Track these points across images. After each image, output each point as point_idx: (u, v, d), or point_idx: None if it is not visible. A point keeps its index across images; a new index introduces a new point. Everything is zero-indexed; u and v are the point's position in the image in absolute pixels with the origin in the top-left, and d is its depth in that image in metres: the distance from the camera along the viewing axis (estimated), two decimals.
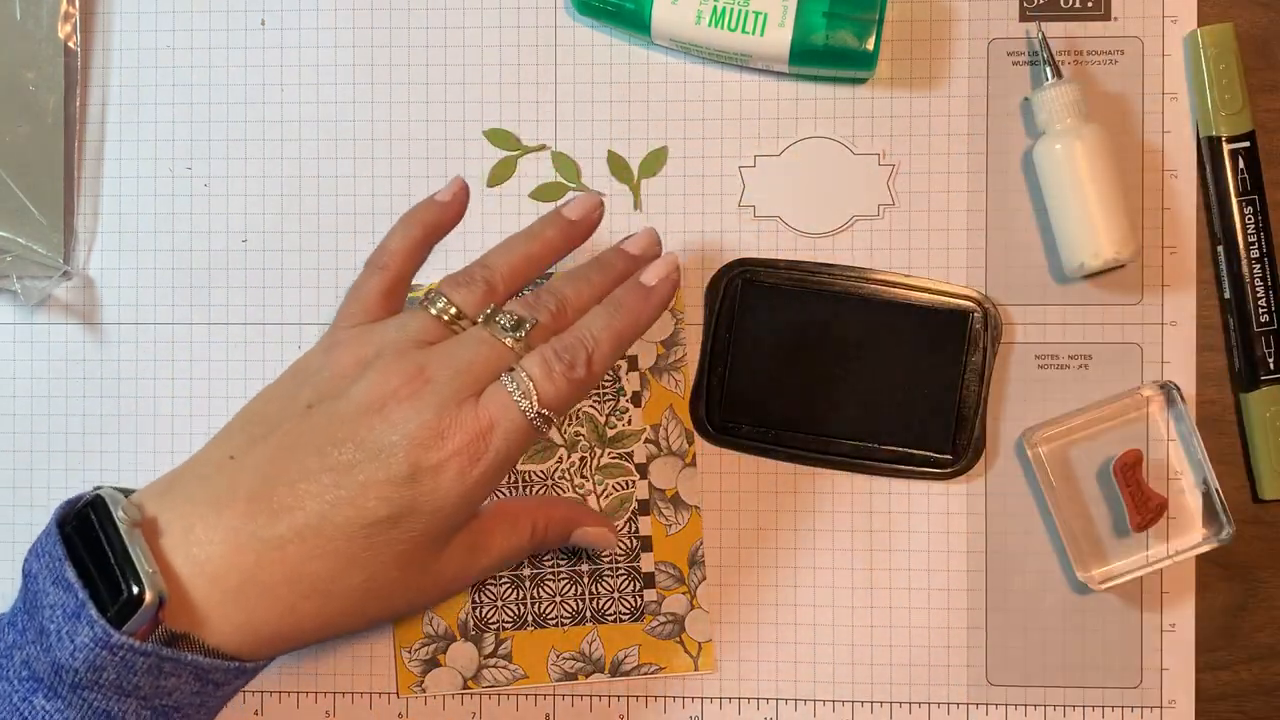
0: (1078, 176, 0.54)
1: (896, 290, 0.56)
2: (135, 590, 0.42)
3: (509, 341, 0.46)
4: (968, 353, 0.56)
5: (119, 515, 0.43)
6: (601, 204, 0.51)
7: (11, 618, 0.45)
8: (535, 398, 0.45)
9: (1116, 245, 0.54)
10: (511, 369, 0.46)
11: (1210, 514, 0.56)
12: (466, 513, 0.46)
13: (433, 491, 0.44)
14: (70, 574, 0.42)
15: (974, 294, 0.56)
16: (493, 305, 0.48)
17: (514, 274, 0.49)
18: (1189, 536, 0.56)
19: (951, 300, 0.56)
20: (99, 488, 0.45)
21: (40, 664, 0.43)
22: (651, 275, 0.49)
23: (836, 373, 0.56)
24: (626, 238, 0.51)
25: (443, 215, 0.51)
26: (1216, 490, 0.55)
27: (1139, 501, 0.55)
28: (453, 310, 0.48)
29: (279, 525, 0.44)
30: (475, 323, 0.48)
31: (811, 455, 0.57)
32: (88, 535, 0.43)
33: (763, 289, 0.57)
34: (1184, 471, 0.56)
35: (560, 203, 0.52)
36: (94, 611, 0.42)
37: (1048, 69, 0.55)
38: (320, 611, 0.45)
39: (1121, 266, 0.56)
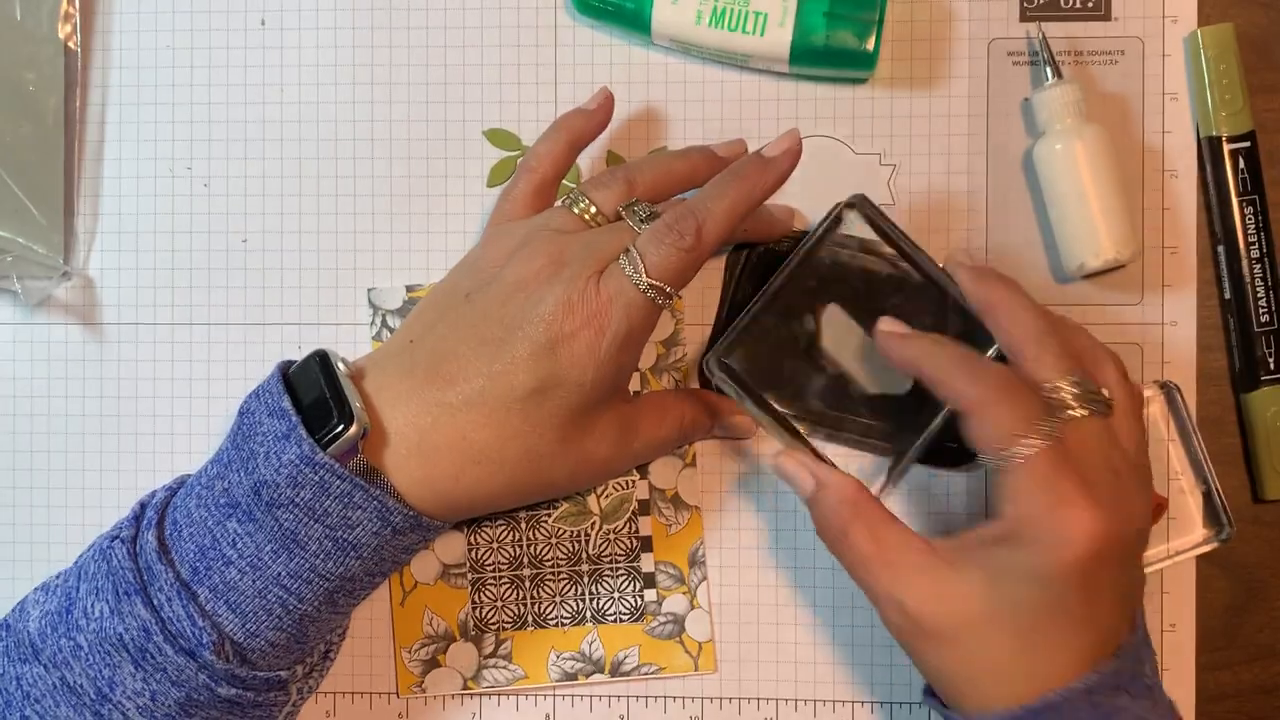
0: (1078, 176, 0.54)
1: (930, 279, 0.54)
2: (344, 418, 0.47)
3: (639, 228, 0.50)
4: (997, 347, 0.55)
5: (339, 365, 0.49)
6: (753, 153, 0.52)
7: (216, 456, 0.50)
8: (643, 269, 0.48)
9: (1117, 245, 0.54)
10: (628, 249, 0.49)
11: (1211, 514, 0.56)
12: (607, 386, 0.49)
13: (571, 362, 0.48)
14: (286, 403, 0.48)
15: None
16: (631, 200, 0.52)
17: (654, 182, 0.52)
18: (1189, 537, 0.56)
19: None
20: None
21: (241, 488, 0.48)
22: (774, 148, 0.51)
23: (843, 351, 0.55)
24: (767, 144, 0.52)
25: (588, 123, 0.55)
26: (1217, 490, 0.55)
27: None
28: (592, 209, 0.52)
29: (450, 393, 0.48)
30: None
31: (824, 431, 0.55)
32: (307, 380, 0.49)
33: (783, 260, 0.55)
34: (1184, 472, 0.56)
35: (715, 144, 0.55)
36: (303, 432, 0.47)
37: (1048, 69, 0.55)
38: (488, 479, 0.49)
39: (1122, 267, 0.56)
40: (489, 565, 0.58)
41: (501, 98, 0.58)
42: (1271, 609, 0.57)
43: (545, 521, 0.58)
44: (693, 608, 0.58)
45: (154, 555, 0.48)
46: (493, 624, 0.58)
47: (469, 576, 0.58)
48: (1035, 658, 0.46)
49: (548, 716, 0.58)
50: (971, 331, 0.52)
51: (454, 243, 0.58)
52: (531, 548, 0.58)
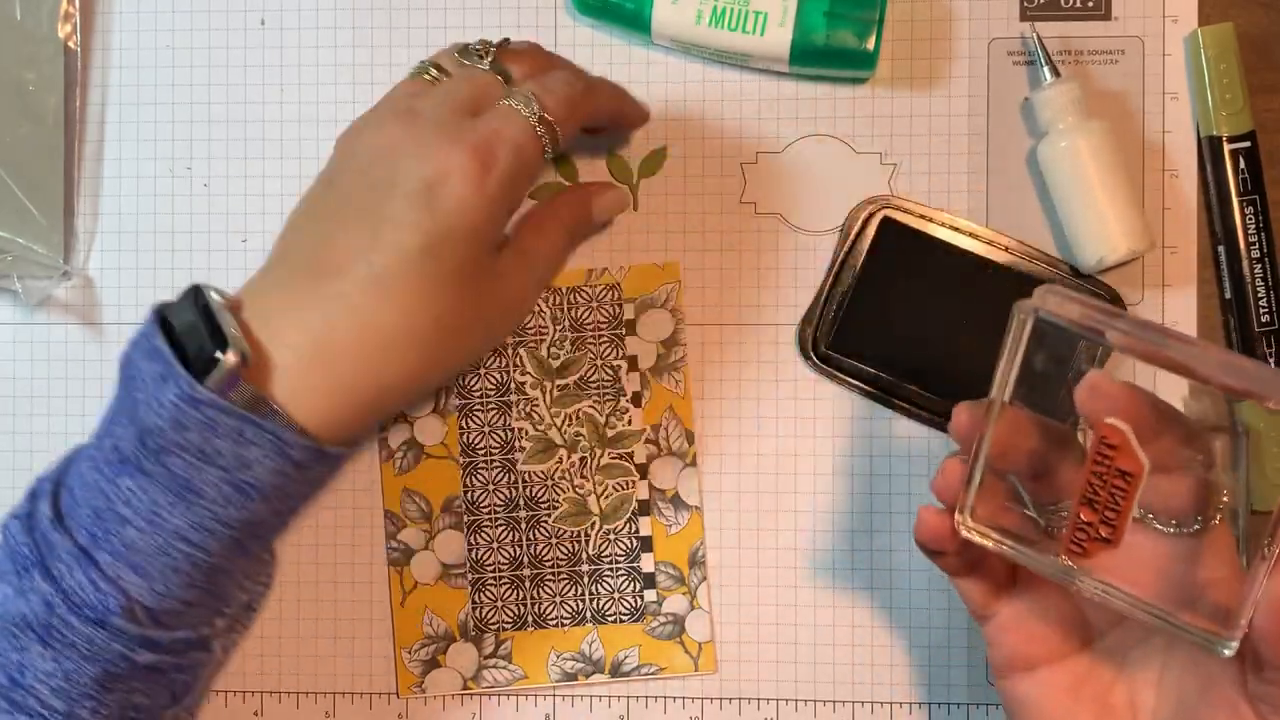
0: (1085, 173, 0.54)
1: (1034, 264, 0.55)
2: (219, 347, 0.43)
3: (489, 68, 0.49)
4: (1084, 345, 0.55)
5: (212, 296, 0.45)
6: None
7: (104, 415, 0.47)
8: (536, 104, 0.47)
9: (1131, 239, 0.54)
10: (518, 90, 0.48)
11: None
12: (496, 226, 0.47)
13: (457, 206, 0.45)
14: (160, 342, 0.44)
15: (1108, 289, 0.55)
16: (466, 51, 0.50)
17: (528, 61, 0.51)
18: None
19: (1085, 288, 0.55)
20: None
21: (127, 440, 0.44)
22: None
23: (952, 331, 0.56)
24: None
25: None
26: (1244, 528, 0.55)
27: None
28: (434, 71, 0.50)
29: (339, 283, 0.45)
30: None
31: (905, 406, 0.56)
32: (182, 317, 0.45)
33: (903, 231, 0.56)
34: (1224, 509, 0.55)
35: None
36: (180, 369, 0.43)
37: (1045, 69, 0.55)
38: (403, 364, 0.46)
39: (1138, 258, 0.55)
40: (489, 565, 0.58)
41: None
42: None
43: (545, 522, 0.58)
44: (693, 608, 0.57)
45: (48, 525, 0.45)
46: (493, 624, 0.58)
47: (469, 577, 0.58)
48: None
49: (548, 716, 0.58)
50: None
51: None
52: (531, 548, 0.58)
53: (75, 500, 0.45)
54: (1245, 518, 0.55)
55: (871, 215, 0.56)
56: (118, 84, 0.59)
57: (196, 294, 0.46)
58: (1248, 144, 0.55)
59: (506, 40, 0.51)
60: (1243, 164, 0.55)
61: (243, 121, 0.59)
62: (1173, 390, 0.49)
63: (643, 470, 0.58)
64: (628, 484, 0.58)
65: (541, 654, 0.58)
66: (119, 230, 0.59)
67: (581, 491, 0.58)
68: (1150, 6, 0.56)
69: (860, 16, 0.54)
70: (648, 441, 0.58)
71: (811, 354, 0.57)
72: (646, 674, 0.58)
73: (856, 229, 0.56)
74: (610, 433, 0.58)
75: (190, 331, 0.44)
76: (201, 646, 0.47)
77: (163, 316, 0.46)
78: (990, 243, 0.56)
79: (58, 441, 0.59)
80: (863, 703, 0.57)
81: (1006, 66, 0.57)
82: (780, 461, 0.57)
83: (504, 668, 0.58)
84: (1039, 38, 0.55)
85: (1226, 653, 0.41)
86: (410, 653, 0.58)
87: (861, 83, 0.57)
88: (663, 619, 0.58)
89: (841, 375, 0.57)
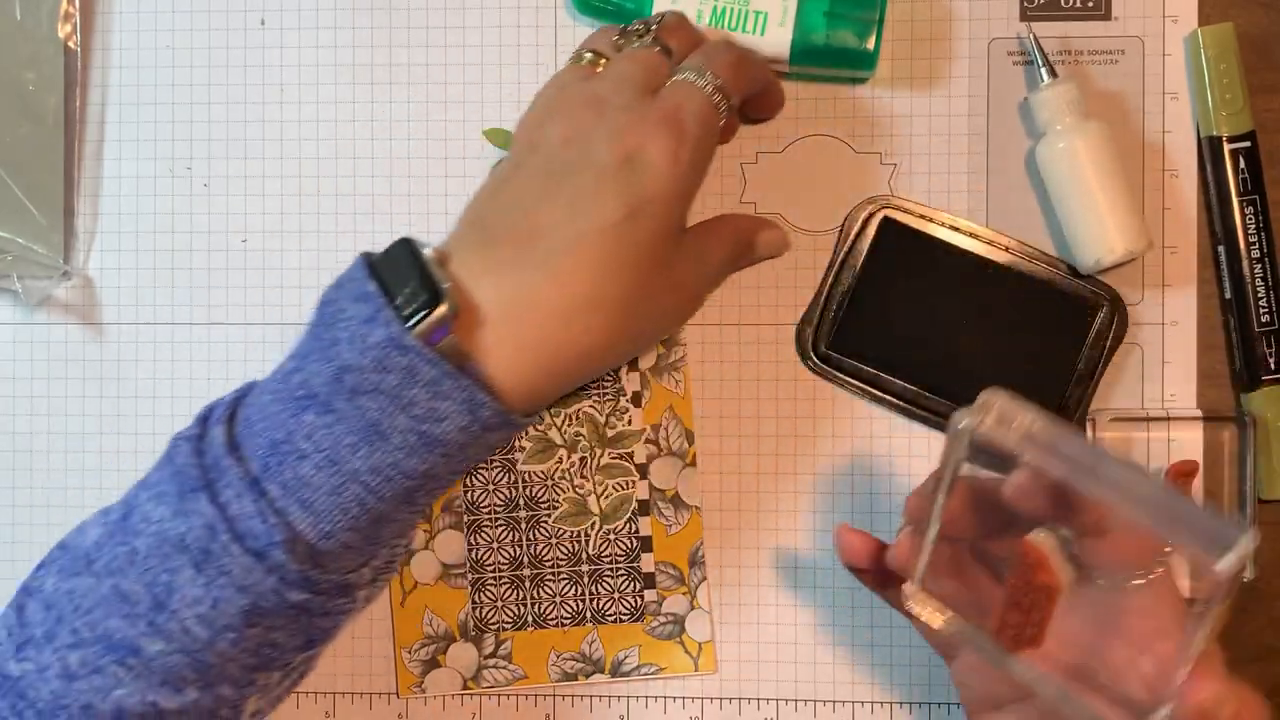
0: (1082, 174, 0.54)
1: (1034, 264, 0.56)
2: (432, 298, 0.44)
3: (654, 47, 0.50)
4: (1087, 345, 0.55)
5: (425, 251, 0.46)
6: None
7: (292, 350, 0.47)
8: (708, 73, 0.48)
9: (1128, 240, 0.54)
10: (689, 63, 0.49)
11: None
12: (688, 199, 0.48)
13: (655, 177, 0.46)
14: (372, 286, 0.44)
15: (1109, 290, 0.56)
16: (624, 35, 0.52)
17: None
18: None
19: (1085, 289, 0.56)
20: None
21: (320, 377, 0.44)
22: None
23: (952, 331, 0.56)
24: None
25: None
26: (1252, 533, 0.55)
27: None
28: (589, 55, 0.51)
29: (540, 248, 0.46)
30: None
31: (904, 406, 0.56)
32: (391, 266, 0.45)
33: (903, 231, 0.56)
34: (1228, 504, 0.55)
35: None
36: (390, 314, 0.43)
37: (1043, 70, 0.55)
38: (596, 330, 0.46)
39: (1136, 259, 0.55)
40: (489, 565, 0.58)
41: (501, 97, 0.58)
42: (1271, 609, 0.57)
43: (545, 522, 0.58)
44: (693, 608, 0.57)
45: (221, 450, 0.44)
46: (493, 624, 0.58)
47: (469, 577, 0.58)
48: None
49: (548, 716, 0.58)
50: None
51: None
52: (531, 548, 0.58)
53: (252, 430, 0.45)
54: (1254, 506, 0.55)
55: (872, 215, 0.56)
56: (118, 84, 0.59)
57: (407, 245, 0.46)
58: (1248, 144, 0.55)
59: (661, 16, 0.52)
60: (1243, 164, 0.55)
61: (243, 121, 0.59)
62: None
63: (643, 470, 0.58)
64: (628, 484, 0.58)
65: (541, 654, 0.58)
66: (119, 230, 0.59)
67: (581, 491, 0.58)
68: (1150, 6, 0.56)
69: (860, 16, 0.54)
70: (648, 441, 0.58)
71: (811, 354, 0.57)
72: (646, 674, 0.58)
73: (856, 228, 0.56)
74: (610, 432, 0.58)
75: (400, 280, 0.45)
76: (347, 594, 0.47)
77: (369, 264, 0.46)
78: (990, 243, 0.56)
79: (58, 441, 0.59)
80: (863, 703, 0.57)
81: (1006, 66, 0.57)
82: (780, 461, 0.57)
83: (504, 668, 0.58)
84: (1035, 38, 0.55)
85: None
86: (410, 652, 0.58)
87: (861, 82, 0.57)
88: (663, 619, 0.58)
89: (841, 375, 0.57)
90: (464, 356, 0.45)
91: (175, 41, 0.59)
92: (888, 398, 0.57)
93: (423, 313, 0.44)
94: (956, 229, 0.56)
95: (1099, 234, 0.54)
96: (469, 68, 0.58)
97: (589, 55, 0.51)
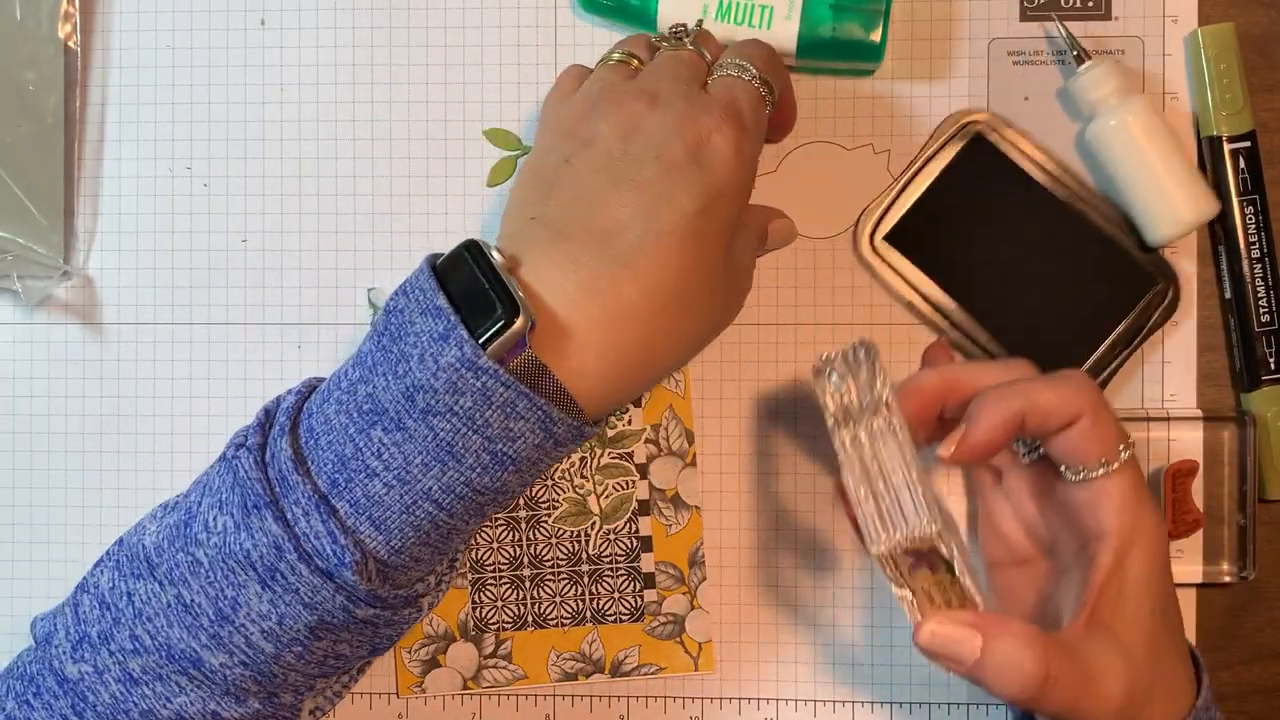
0: (1139, 149, 0.54)
1: (1107, 223, 0.55)
2: (507, 313, 0.42)
3: (690, 46, 0.50)
4: (1134, 313, 0.55)
5: (494, 256, 0.44)
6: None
7: (357, 358, 0.45)
8: (751, 68, 0.48)
9: (1197, 209, 0.53)
10: (725, 57, 0.49)
11: (1239, 550, 0.55)
12: (750, 190, 0.48)
13: (724, 166, 0.46)
14: (442, 300, 0.43)
15: (1170, 267, 0.56)
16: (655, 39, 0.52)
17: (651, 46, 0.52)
18: (1214, 567, 0.55)
19: (1148, 259, 0.55)
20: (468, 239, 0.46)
21: (389, 393, 0.43)
22: None
23: (1008, 261, 0.56)
24: None
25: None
26: (1253, 530, 0.55)
27: (1178, 512, 0.54)
28: (615, 56, 0.51)
29: (617, 244, 0.44)
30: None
31: (939, 321, 0.56)
32: (459, 272, 0.44)
33: (989, 149, 0.56)
34: (1229, 502, 0.55)
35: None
36: (464, 332, 0.42)
37: (1074, 56, 0.55)
38: (677, 326, 0.46)
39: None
40: (489, 565, 0.58)
41: (501, 98, 0.58)
42: (1271, 609, 0.57)
43: (545, 521, 0.58)
44: (693, 608, 0.57)
45: (288, 465, 0.44)
46: (493, 624, 0.58)
47: (469, 576, 0.58)
48: (1167, 681, 0.45)
49: (548, 716, 0.58)
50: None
51: (454, 243, 0.58)
52: (531, 548, 0.58)
53: (318, 443, 0.44)
54: (1254, 505, 0.55)
55: (966, 127, 0.56)
56: (118, 84, 0.59)
57: (476, 250, 0.45)
58: (1248, 144, 0.55)
59: (697, 25, 0.52)
60: (1243, 164, 0.55)
61: (243, 121, 0.59)
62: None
63: (643, 470, 0.58)
64: (628, 484, 0.58)
65: (541, 654, 0.58)
66: (119, 230, 0.59)
67: (581, 491, 0.58)
68: (1150, 6, 0.56)
69: (866, 8, 0.54)
70: (648, 441, 0.58)
71: (869, 239, 0.56)
72: (646, 674, 0.58)
73: (947, 136, 0.56)
74: (610, 432, 0.58)
75: (471, 292, 0.43)
76: (413, 604, 0.47)
77: (435, 270, 0.45)
78: (1072, 190, 0.56)
79: (58, 441, 0.59)
80: (863, 703, 0.57)
81: (1006, 67, 0.57)
82: (780, 462, 0.57)
83: (504, 667, 0.58)
84: (1063, 25, 0.55)
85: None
86: (410, 652, 0.58)
87: (867, 74, 0.57)
88: (663, 619, 0.58)
89: (890, 267, 0.56)
90: (541, 370, 0.43)
91: (175, 41, 0.59)
92: (925, 306, 0.56)
93: (497, 326, 0.42)
94: (1043, 167, 0.56)
95: (1166, 206, 0.54)
96: (469, 68, 0.58)
97: (620, 55, 0.51)
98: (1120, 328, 0.55)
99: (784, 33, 0.54)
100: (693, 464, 0.58)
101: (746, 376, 0.58)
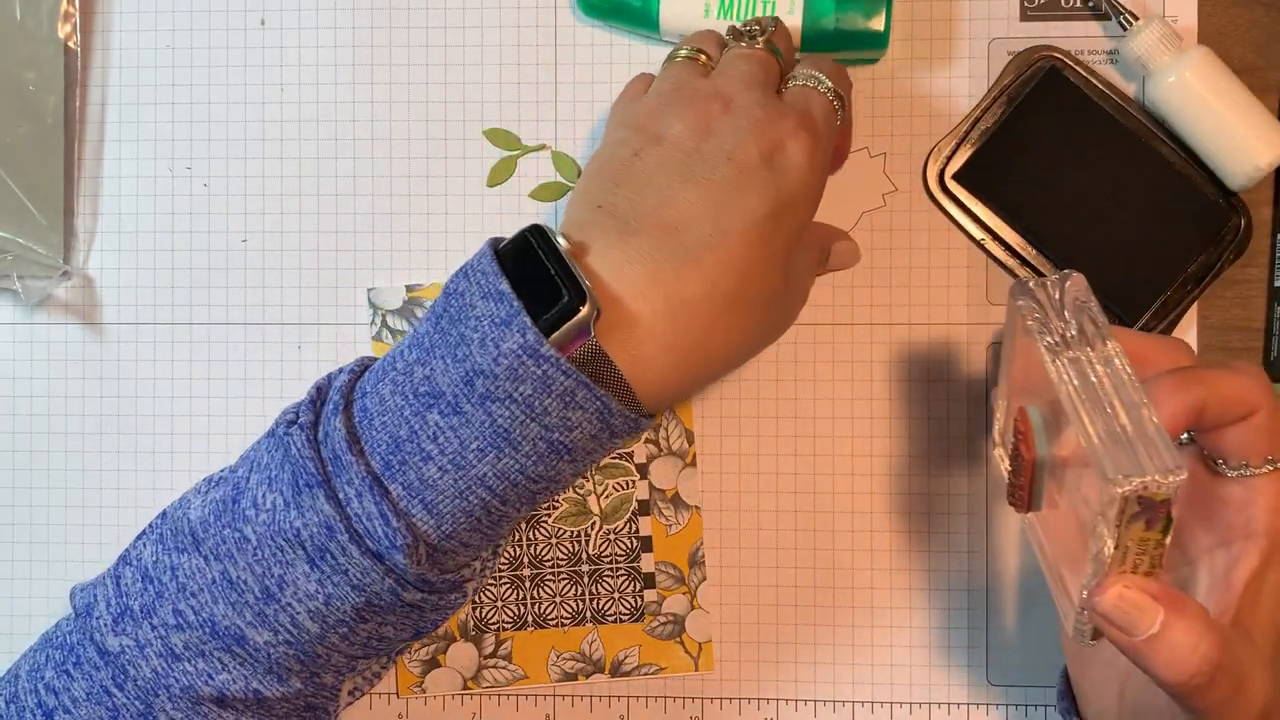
0: (1203, 100, 0.53)
1: (1181, 161, 0.55)
2: (573, 300, 0.42)
3: (764, 46, 0.49)
4: (1206, 250, 0.55)
5: (560, 241, 0.44)
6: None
7: (414, 339, 0.45)
8: (821, 76, 0.48)
9: (1274, 151, 0.53)
10: (797, 70, 0.49)
11: None
12: (817, 200, 0.47)
13: (797, 174, 0.45)
14: (505, 285, 0.42)
15: (1243, 206, 0.55)
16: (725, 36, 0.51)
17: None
18: None
19: (1221, 198, 0.55)
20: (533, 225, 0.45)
21: (447, 377, 0.43)
22: None
23: (1079, 197, 0.55)
24: None
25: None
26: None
27: None
28: (684, 52, 0.50)
29: (685, 239, 0.44)
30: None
31: (1008, 256, 0.55)
32: (523, 257, 0.43)
33: (1063, 83, 0.55)
34: None
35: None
36: (526, 319, 0.41)
37: (1120, 18, 0.54)
38: (738, 327, 0.45)
39: None
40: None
41: (501, 98, 0.58)
42: None
43: (545, 521, 0.58)
44: (693, 608, 0.58)
45: (342, 444, 0.43)
46: (493, 624, 0.58)
47: None
48: None
49: (548, 716, 0.58)
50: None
51: (454, 243, 0.58)
52: (531, 548, 0.58)
53: (372, 423, 0.44)
54: None
55: (1040, 60, 0.56)
56: (118, 84, 0.59)
57: (541, 236, 0.44)
58: None
59: (773, 20, 0.51)
60: None
61: (243, 121, 0.59)
62: None
63: (643, 470, 0.58)
64: (628, 484, 0.58)
65: (541, 654, 0.58)
66: (119, 230, 0.59)
67: (581, 491, 0.58)
68: (1150, 6, 0.56)
69: None
70: (648, 441, 0.58)
71: (940, 179, 0.56)
72: (646, 674, 0.58)
73: (1020, 72, 0.56)
74: None
75: (535, 277, 0.43)
76: (459, 589, 0.46)
77: (498, 253, 0.44)
78: (1145, 124, 0.55)
79: (58, 441, 0.59)
80: (863, 703, 0.57)
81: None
82: (780, 461, 0.57)
83: (504, 668, 0.58)
84: None
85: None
86: (410, 652, 0.58)
87: (872, 63, 0.57)
88: (663, 619, 0.58)
89: (961, 203, 0.56)
90: (603, 359, 0.43)
91: (175, 41, 0.59)
92: (993, 245, 0.56)
93: (562, 313, 0.42)
94: (1117, 102, 0.55)
95: (1241, 153, 0.53)
96: (469, 68, 0.58)
97: (689, 51, 0.50)
98: (1192, 266, 0.55)
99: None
100: (693, 464, 0.58)
101: (747, 377, 0.58)
